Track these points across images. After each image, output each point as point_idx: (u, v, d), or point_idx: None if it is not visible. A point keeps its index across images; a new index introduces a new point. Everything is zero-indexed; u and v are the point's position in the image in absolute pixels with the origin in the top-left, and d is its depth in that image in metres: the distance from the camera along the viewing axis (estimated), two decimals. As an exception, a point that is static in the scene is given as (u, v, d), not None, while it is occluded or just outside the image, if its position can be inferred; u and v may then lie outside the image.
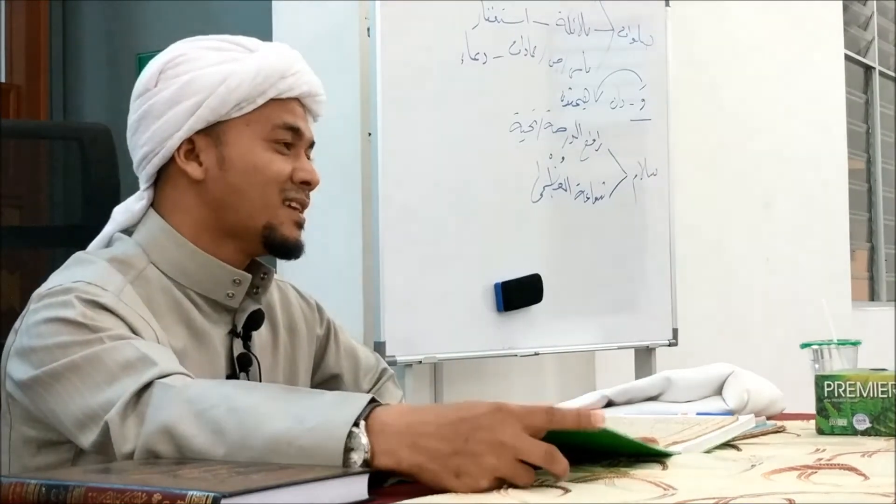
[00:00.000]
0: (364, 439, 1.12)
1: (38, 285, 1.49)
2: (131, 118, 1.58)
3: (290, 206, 1.57)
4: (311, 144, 1.61)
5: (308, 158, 1.61)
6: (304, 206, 1.58)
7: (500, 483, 1.09)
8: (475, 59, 2.89)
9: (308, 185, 1.58)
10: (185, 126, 1.53)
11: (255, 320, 1.60)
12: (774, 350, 3.98)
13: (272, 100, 1.55)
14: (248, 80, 1.53)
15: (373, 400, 1.16)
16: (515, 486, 1.09)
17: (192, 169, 1.54)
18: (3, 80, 3.78)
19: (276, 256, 1.60)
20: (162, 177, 1.57)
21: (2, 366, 1.47)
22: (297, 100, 1.58)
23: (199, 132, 1.54)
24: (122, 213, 1.59)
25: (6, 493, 1.00)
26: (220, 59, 1.55)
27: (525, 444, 1.10)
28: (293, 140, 1.57)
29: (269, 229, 1.55)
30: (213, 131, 1.54)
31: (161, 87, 1.54)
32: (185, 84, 1.53)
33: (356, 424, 1.12)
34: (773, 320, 4.50)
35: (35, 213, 1.90)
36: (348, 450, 1.11)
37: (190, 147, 1.54)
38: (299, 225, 1.58)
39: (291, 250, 1.58)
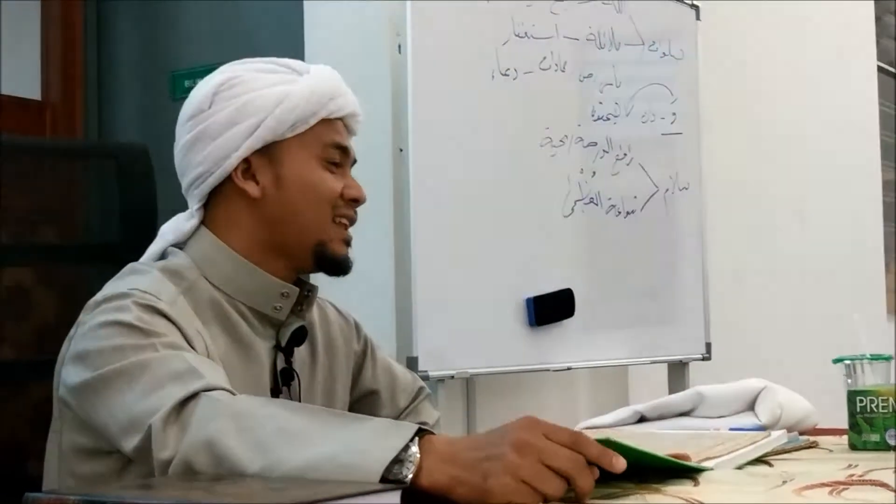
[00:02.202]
0: (416, 454, 1.14)
1: (74, 301, 1.51)
2: (183, 139, 1.61)
3: (339, 223, 1.61)
4: (353, 162, 1.66)
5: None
6: (352, 222, 1.64)
7: (534, 495, 1.10)
8: (506, 75, 2.91)
9: (356, 202, 1.63)
10: (244, 146, 1.56)
11: (299, 336, 1.63)
12: (808, 365, 3.96)
13: (322, 120, 1.60)
14: (303, 101, 1.58)
15: (423, 429, 1.18)
16: (548, 501, 1.10)
17: (251, 188, 1.58)
18: (39, 98, 3.82)
19: (325, 273, 1.64)
20: (215, 197, 1.60)
21: (56, 373, 1.50)
22: (341, 119, 1.63)
23: (255, 152, 1.57)
24: (172, 231, 1.62)
25: (47, 508, 1.02)
26: (274, 80, 1.59)
27: (549, 446, 1.11)
28: (341, 159, 1.62)
29: (321, 246, 1.60)
30: (268, 151, 1.58)
31: (216, 108, 1.58)
32: (242, 105, 1.57)
33: (412, 440, 1.14)
34: (807, 334, 4.47)
35: (72, 231, 1.92)
36: (397, 461, 1.13)
37: (246, 167, 1.58)
38: (347, 242, 1.63)
39: (341, 267, 1.62)
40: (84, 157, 1.93)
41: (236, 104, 1.57)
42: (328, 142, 1.60)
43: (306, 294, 1.63)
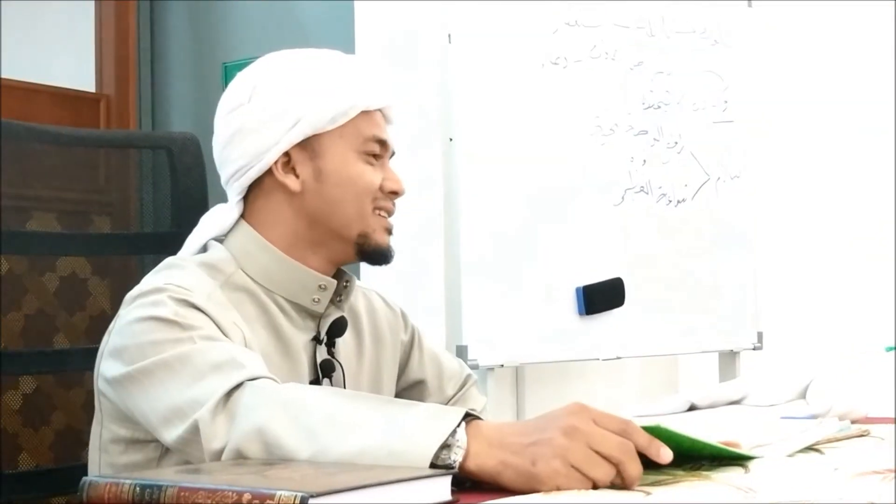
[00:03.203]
0: (464, 439, 1.14)
1: (128, 291, 1.53)
2: (223, 132, 1.60)
3: (379, 215, 1.61)
4: (392, 154, 1.65)
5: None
6: (390, 213, 1.63)
7: (583, 480, 1.10)
8: (556, 64, 2.90)
9: (396, 194, 1.62)
10: (284, 140, 1.56)
11: (339, 327, 1.63)
12: (859, 354, 3.92)
13: (361, 112, 1.58)
14: (342, 93, 1.57)
15: (469, 413, 1.18)
16: (596, 487, 1.10)
17: (291, 181, 1.57)
18: (93, 90, 3.87)
19: (368, 263, 1.64)
20: (254, 190, 1.60)
21: (96, 366, 1.51)
22: (380, 111, 1.62)
23: (295, 146, 1.56)
24: (212, 224, 1.62)
25: (102, 493, 1.04)
26: (313, 73, 1.58)
27: (597, 432, 1.12)
28: (381, 151, 1.61)
29: (364, 237, 1.59)
30: (308, 144, 1.57)
31: (255, 101, 1.57)
32: (282, 99, 1.56)
33: (458, 425, 1.15)
34: (860, 323, 4.43)
35: (125, 221, 1.94)
36: (445, 447, 1.14)
37: (286, 160, 1.57)
38: (389, 231, 1.62)
39: (384, 256, 1.62)
40: (136, 147, 1.94)
41: (276, 97, 1.56)
42: (368, 135, 1.59)
43: (345, 285, 1.63)
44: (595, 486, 1.10)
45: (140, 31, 3.87)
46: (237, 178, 1.59)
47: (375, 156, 1.60)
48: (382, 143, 1.61)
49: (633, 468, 1.11)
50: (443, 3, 2.77)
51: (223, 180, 1.63)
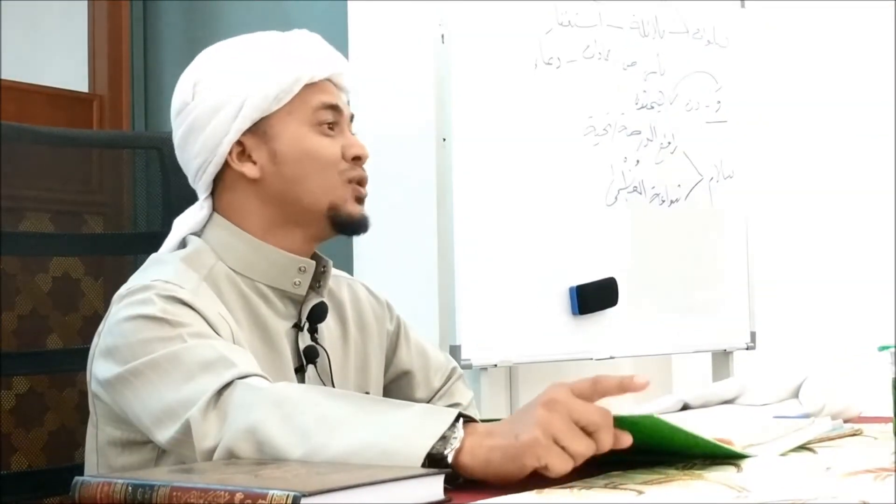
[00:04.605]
0: (461, 432, 1.15)
1: (121, 291, 1.53)
2: (177, 134, 1.62)
3: (349, 184, 1.60)
4: (351, 118, 1.64)
5: (351, 133, 1.64)
6: (362, 181, 1.61)
7: (563, 456, 1.12)
8: (549, 64, 2.90)
9: (359, 159, 1.61)
10: (233, 129, 1.56)
11: (319, 313, 1.63)
12: (853, 353, 3.93)
13: (305, 85, 1.58)
14: (281, 71, 1.57)
15: (462, 415, 1.19)
16: (583, 481, 1.10)
17: (248, 169, 1.58)
18: (87, 91, 3.87)
19: (343, 234, 1.63)
20: (219, 184, 1.61)
21: (88, 367, 1.51)
22: (328, 80, 1.62)
23: (245, 132, 1.57)
24: (185, 224, 1.63)
25: (95, 493, 1.04)
26: (250, 58, 1.59)
27: (576, 402, 1.15)
28: (335, 118, 1.61)
29: (334, 209, 1.59)
30: (258, 129, 1.58)
31: (199, 98, 1.58)
32: (222, 88, 1.57)
33: (456, 420, 1.17)
34: (853, 323, 4.43)
35: (118, 221, 1.94)
36: (442, 438, 1.14)
37: (240, 149, 1.58)
38: (360, 199, 1.61)
39: (358, 225, 1.61)
40: (128, 147, 1.94)
41: (217, 89, 1.57)
42: (316, 104, 1.59)
43: (322, 270, 1.63)
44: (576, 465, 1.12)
45: (133, 31, 3.87)
46: (199, 176, 1.61)
47: (331, 125, 1.60)
48: (335, 109, 1.61)
49: (608, 439, 1.15)
50: (436, 3, 2.76)
51: (190, 181, 1.65)
